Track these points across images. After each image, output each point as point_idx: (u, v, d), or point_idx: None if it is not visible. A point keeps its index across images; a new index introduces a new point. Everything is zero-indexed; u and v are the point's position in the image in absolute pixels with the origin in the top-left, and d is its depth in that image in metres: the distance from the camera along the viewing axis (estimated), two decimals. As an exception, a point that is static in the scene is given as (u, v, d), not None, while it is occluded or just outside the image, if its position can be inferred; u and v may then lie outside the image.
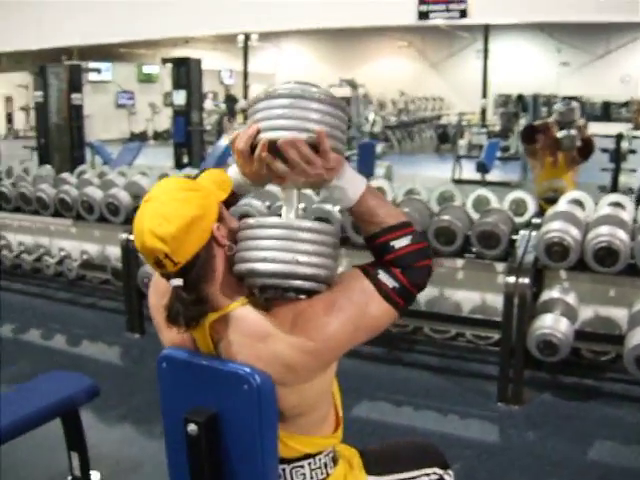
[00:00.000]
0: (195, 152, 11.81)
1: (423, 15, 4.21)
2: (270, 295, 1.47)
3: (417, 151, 16.33)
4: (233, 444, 1.60)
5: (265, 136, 1.41)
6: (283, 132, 1.39)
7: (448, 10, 4.15)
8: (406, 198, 4.59)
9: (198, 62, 11.55)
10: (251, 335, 1.50)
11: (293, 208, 1.53)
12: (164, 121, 21.20)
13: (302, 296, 1.46)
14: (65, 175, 5.79)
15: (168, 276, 1.48)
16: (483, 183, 10.91)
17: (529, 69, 20.41)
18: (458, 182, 11.57)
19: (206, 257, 1.47)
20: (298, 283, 1.42)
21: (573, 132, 5.28)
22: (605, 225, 3.70)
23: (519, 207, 4.51)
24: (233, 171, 1.55)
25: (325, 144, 1.39)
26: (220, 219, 1.51)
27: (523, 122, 15.05)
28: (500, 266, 4.34)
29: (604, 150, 8.54)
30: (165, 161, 11.25)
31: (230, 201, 1.58)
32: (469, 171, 11.96)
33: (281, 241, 1.42)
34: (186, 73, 11.30)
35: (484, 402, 3.82)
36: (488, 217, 4.05)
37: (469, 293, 4.51)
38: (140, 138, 20.21)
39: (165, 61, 18.13)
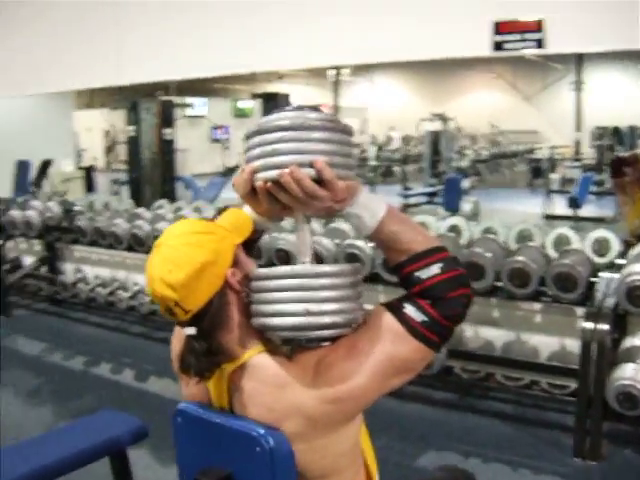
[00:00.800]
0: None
1: (498, 46, 4.04)
2: (295, 345, 1.40)
3: (509, 185, 15.97)
4: (245, 508, 1.50)
5: (261, 176, 1.32)
6: (277, 170, 1.29)
7: (523, 40, 3.98)
8: (481, 237, 4.41)
9: (286, 97, 11.66)
10: (268, 384, 1.41)
11: (308, 250, 1.42)
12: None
13: (326, 343, 1.38)
14: (140, 210, 5.88)
15: (182, 324, 1.43)
16: (575, 219, 10.54)
17: (626, 100, 19.72)
18: (549, 218, 11.20)
19: (220, 304, 1.40)
20: (316, 334, 1.33)
21: None
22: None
23: (602, 247, 4.26)
24: (248, 209, 1.47)
25: (326, 175, 1.27)
26: (236, 264, 1.43)
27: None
28: (580, 310, 4.11)
29: None
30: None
31: (252, 239, 1.50)
32: (561, 206, 11.56)
33: (292, 292, 1.32)
34: (274, 107, 11.43)
35: (559, 456, 3.58)
36: (565, 258, 3.83)
37: (547, 338, 4.26)
38: (233, 172, 20.57)
39: (255, 96, 18.45)
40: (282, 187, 1.29)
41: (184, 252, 1.36)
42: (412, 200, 12.41)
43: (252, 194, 1.38)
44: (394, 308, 1.37)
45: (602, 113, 18.00)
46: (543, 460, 3.55)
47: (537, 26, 3.98)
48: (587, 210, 11.37)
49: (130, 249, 5.40)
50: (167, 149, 10.94)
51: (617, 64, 18.99)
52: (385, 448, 3.46)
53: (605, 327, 3.47)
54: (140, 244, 5.24)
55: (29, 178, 9.09)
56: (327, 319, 1.31)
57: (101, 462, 2.55)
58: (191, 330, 1.40)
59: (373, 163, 18.46)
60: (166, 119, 10.85)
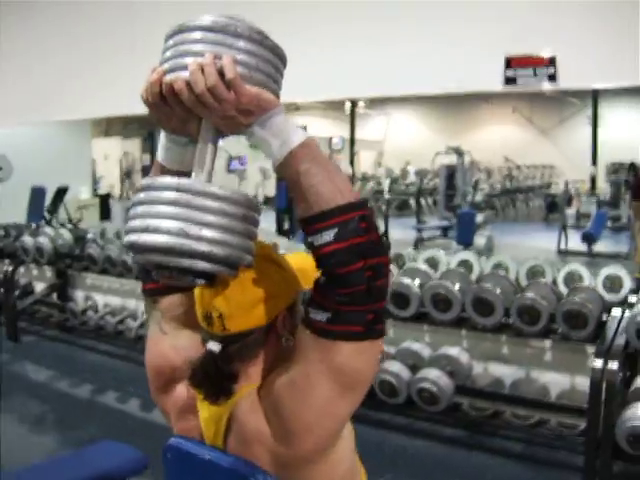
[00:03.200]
0: (296, 218, 11.93)
1: (510, 80, 4.04)
2: (164, 278, 1.17)
3: (524, 220, 15.92)
4: None
5: (171, 77, 1.13)
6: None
7: (536, 75, 3.98)
8: (491, 272, 4.38)
9: (303, 128, 11.71)
10: (249, 432, 1.34)
11: (205, 168, 1.21)
12: (273, 187, 21.64)
13: (200, 281, 1.17)
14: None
15: (210, 337, 1.33)
16: (589, 255, 10.45)
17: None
18: (563, 253, 11.12)
19: (257, 338, 1.33)
20: (189, 262, 1.10)
21: None
22: None
23: (614, 283, 4.21)
24: (159, 141, 1.30)
25: (229, 72, 1.09)
26: (289, 309, 1.35)
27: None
28: (590, 348, 4.05)
29: None
30: (269, 226, 11.36)
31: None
32: (576, 242, 11.48)
33: (171, 207, 1.10)
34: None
35: (568, 498, 3.51)
36: (576, 295, 3.78)
37: (556, 375, 4.20)
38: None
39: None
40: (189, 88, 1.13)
41: (255, 275, 1.29)
42: (426, 234, 12.37)
43: (160, 103, 1.18)
44: (305, 320, 1.22)
45: (617, 148, 17.90)
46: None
47: (549, 61, 3.99)
48: (602, 245, 11.28)
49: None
50: (186, 179, 11.03)
51: (633, 99, 18.97)
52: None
53: (614, 366, 3.41)
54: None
55: (44, 204, 9.16)
56: (204, 247, 1.10)
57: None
58: (216, 347, 1.30)
59: (387, 196, 18.50)
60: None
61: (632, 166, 16.45)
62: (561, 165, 20.70)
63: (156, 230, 1.10)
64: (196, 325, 1.41)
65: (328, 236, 1.11)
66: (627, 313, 3.73)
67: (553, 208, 15.45)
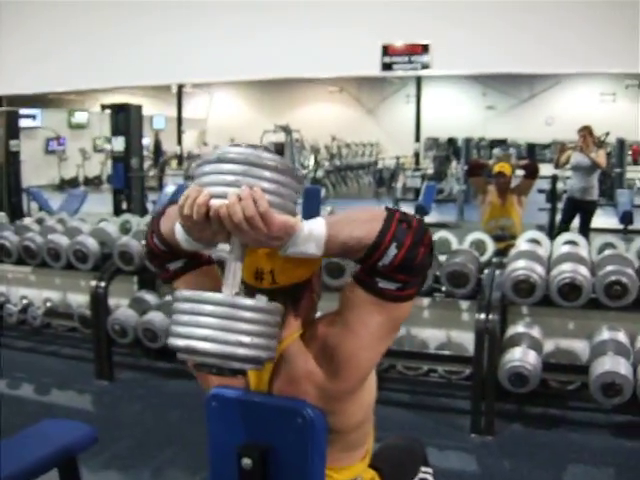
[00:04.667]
0: (135, 198, 11.77)
1: (386, 66, 4.43)
2: (205, 372, 1.43)
3: (355, 195, 16.55)
4: (285, 477, 1.67)
5: (217, 203, 1.32)
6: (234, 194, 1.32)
7: (411, 62, 4.38)
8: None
9: (138, 108, 11.55)
10: (299, 373, 1.59)
11: (235, 283, 1.42)
12: (95, 167, 21.03)
13: (239, 377, 1.49)
14: (27, 222, 5.78)
15: (259, 291, 1.54)
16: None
17: (457, 113, 21.12)
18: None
19: (300, 290, 1.60)
20: (237, 365, 1.37)
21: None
22: (567, 262, 3.95)
23: (479, 247, 4.73)
24: (180, 233, 1.48)
25: (261, 205, 1.29)
26: (319, 270, 1.66)
27: (454, 165, 15.59)
28: (465, 304, 4.57)
29: (540, 191, 8.95)
30: (99, 207, 11.10)
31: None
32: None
33: (223, 320, 1.34)
34: (125, 119, 11.29)
35: (459, 434, 3.98)
36: (456, 257, 4.24)
37: (434, 331, 4.68)
38: (70, 184, 19.97)
39: (104, 107, 18.09)
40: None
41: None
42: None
43: (203, 220, 1.35)
44: (368, 285, 1.47)
45: (436, 125, 19.08)
46: (446, 439, 3.94)
47: (423, 49, 4.39)
48: (431, 217, 12.11)
49: (18, 262, 5.30)
50: (13, 161, 10.62)
51: (450, 78, 20.24)
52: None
53: (496, 317, 3.92)
54: (32, 257, 5.16)
55: None
56: (253, 352, 1.35)
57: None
58: (263, 300, 1.47)
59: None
60: (12, 130, 10.53)
61: (450, 141, 17.71)
62: (384, 142, 21.69)
63: (201, 338, 1.33)
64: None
65: (392, 252, 1.38)
66: (497, 272, 4.25)
67: (381, 183, 16.24)
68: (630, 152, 16.44)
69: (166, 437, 3.99)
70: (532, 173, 5.89)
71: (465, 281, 4.12)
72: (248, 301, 1.37)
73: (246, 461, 1.64)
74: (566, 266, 3.91)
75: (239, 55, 6.43)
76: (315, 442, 1.63)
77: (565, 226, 7.53)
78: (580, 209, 7.53)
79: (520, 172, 6.17)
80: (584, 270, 3.87)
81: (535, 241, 4.59)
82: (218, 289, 1.44)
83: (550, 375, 4.15)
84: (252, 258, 1.55)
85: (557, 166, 7.77)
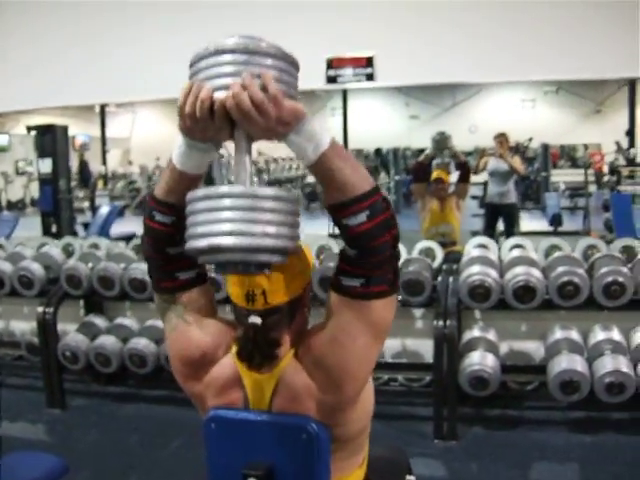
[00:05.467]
0: (64, 221, 11.51)
1: (331, 79, 4.46)
2: (229, 272, 1.36)
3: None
4: (290, 493, 1.65)
5: (221, 95, 1.26)
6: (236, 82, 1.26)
7: (355, 75, 4.43)
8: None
9: (64, 129, 11.31)
10: (299, 389, 1.57)
11: (247, 174, 1.35)
12: (18, 190, 20.48)
13: (266, 271, 1.35)
14: None
15: (247, 313, 1.53)
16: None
17: (381, 124, 21.42)
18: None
19: (290, 309, 1.56)
20: (265, 258, 1.29)
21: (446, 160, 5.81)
22: (519, 265, 4.05)
23: (428, 255, 4.78)
24: (179, 149, 1.41)
25: (272, 88, 1.24)
26: (309, 284, 1.64)
27: (383, 176, 15.77)
28: (418, 312, 4.62)
29: (474, 197, 9.16)
30: (25, 231, 10.79)
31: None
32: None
33: (246, 212, 1.26)
34: (51, 140, 11.04)
35: (422, 441, 4.02)
36: (409, 266, 4.28)
37: (390, 340, 4.71)
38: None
39: (30, 129, 17.59)
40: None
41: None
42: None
43: (207, 115, 1.28)
44: (335, 286, 1.47)
45: (362, 136, 19.23)
46: (411, 446, 3.94)
47: (367, 62, 4.44)
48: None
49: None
50: None
51: (374, 89, 20.50)
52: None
53: (454, 323, 3.98)
54: None
55: None
56: (280, 243, 1.29)
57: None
58: (258, 320, 1.50)
59: (143, 193, 18.42)
60: None
61: (377, 152, 17.93)
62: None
63: (225, 233, 1.25)
64: (215, 313, 1.68)
65: (362, 217, 1.33)
66: (450, 278, 4.31)
67: (313, 197, 16.28)
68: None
69: (127, 464, 3.90)
70: (465, 174, 5.98)
71: (421, 289, 4.16)
72: (269, 190, 1.30)
73: (251, 481, 1.61)
74: (519, 269, 4.00)
75: (163, 73, 6.39)
76: (320, 456, 1.62)
77: (491, 231, 7.73)
78: (501, 213, 7.77)
79: (454, 175, 6.25)
80: (537, 272, 3.97)
81: (483, 246, 4.68)
82: (214, 310, 1.42)
83: (508, 377, 4.23)
84: (242, 281, 1.52)
85: (476, 172, 7.95)
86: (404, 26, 4.35)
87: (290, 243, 1.32)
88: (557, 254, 4.20)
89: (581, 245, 4.53)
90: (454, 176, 6.22)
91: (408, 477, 2.22)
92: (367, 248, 1.37)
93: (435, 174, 5.92)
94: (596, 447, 3.84)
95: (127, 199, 17.66)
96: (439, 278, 4.37)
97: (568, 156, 19.80)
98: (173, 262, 1.58)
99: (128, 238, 8.01)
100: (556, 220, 10.66)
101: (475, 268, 4.09)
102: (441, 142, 5.87)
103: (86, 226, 10.83)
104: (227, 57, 1.27)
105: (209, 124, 1.30)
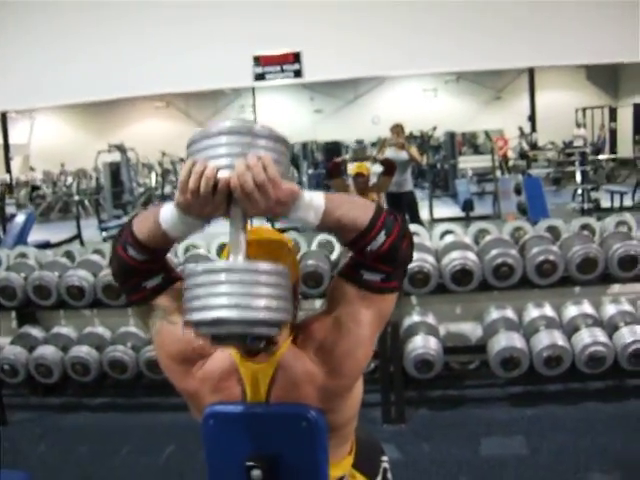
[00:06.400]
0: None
1: (259, 76, 4.49)
2: (226, 344, 1.41)
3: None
4: (294, 480, 1.70)
5: (225, 174, 1.32)
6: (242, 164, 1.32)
7: (283, 71, 4.47)
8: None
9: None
10: (298, 377, 1.62)
11: (241, 250, 1.40)
12: None
13: (262, 343, 1.41)
14: None
15: None
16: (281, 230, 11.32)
17: (288, 119, 21.41)
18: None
19: None
20: (264, 330, 1.36)
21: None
22: (455, 250, 4.19)
23: (326, 247, 4.80)
24: (170, 213, 1.44)
25: (271, 170, 1.31)
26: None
27: (294, 172, 15.82)
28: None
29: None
30: None
31: (165, 248, 1.56)
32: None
33: (244, 286, 1.32)
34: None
35: (372, 427, 4.10)
36: (307, 259, 4.33)
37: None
38: None
39: None
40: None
41: (274, 248, 1.60)
42: (112, 232, 12.38)
43: (210, 192, 1.33)
44: (354, 279, 1.54)
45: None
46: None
47: (294, 58, 4.49)
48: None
49: None
50: None
51: (280, 85, 20.49)
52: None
53: (396, 310, 4.08)
54: None
55: None
56: (277, 315, 1.34)
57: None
58: (274, 264, 1.49)
59: (49, 199, 17.91)
60: None
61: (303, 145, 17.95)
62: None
63: (229, 306, 1.30)
64: None
65: (381, 238, 1.44)
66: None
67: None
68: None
69: (83, 475, 3.86)
70: (389, 169, 6.13)
71: (320, 280, 4.20)
72: (266, 265, 1.35)
73: (255, 473, 1.64)
74: (455, 254, 4.15)
75: (64, 79, 6.28)
76: (320, 443, 1.66)
77: None
78: (401, 201, 7.95)
79: (376, 168, 6.41)
80: (472, 256, 4.13)
81: (415, 234, 4.81)
82: None
83: (450, 358, 4.38)
84: None
85: (375, 162, 8.10)
86: (325, 22, 4.42)
87: (287, 316, 1.38)
88: (489, 237, 4.37)
89: (508, 228, 4.73)
90: (376, 168, 6.38)
91: (383, 458, 2.28)
92: (395, 258, 1.48)
93: (355, 169, 6.05)
94: (537, 419, 4.04)
95: (32, 206, 17.10)
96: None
97: (470, 143, 20.33)
98: (136, 274, 1.60)
99: (44, 246, 7.84)
100: (468, 205, 10.99)
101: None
102: (359, 152, 6.06)
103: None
104: (230, 138, 1.34)
105: (209, 201, 1.34)
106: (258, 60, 4.47)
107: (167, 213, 1.44)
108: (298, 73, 4.44)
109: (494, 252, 4.10)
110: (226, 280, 1.32)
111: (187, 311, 1.37)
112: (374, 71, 4.94)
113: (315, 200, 1.40)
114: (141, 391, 4.82)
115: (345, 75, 5.91)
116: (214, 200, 1.34)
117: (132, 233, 1.53)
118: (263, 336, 1.37)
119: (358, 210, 1.45)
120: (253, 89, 16.68)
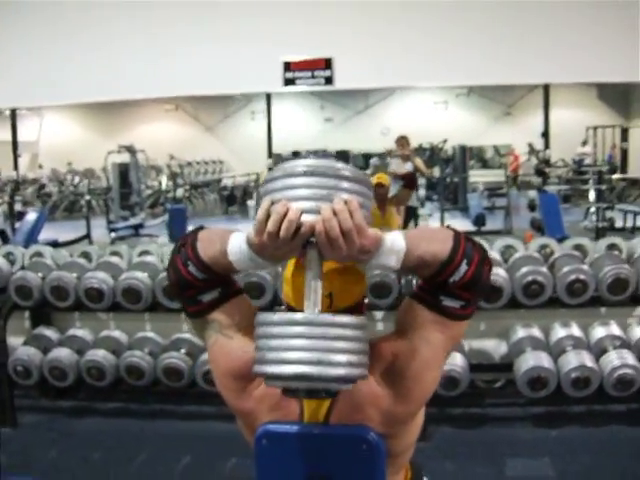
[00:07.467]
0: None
1: (289, 82, 4.43)
2: (298, 396, 1.37)
3: (204, 214, 16.20)
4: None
5: (309, 219, 1.25)
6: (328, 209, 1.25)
7: (314, 77, 4.41)
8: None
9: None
10: (362, 399, 1.53)
11: (317, 301, 1.32)
12: None
13: (333, 396, 1.38)
14: None
15: None
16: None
17: (297, 127, 21.35)
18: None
19: (355, 312, 1.49)
20: (335, 386, 1.30)
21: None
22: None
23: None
24: (239, 247, 1.39)
25: (357, 216, 1.25)
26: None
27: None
28: (379, 314, 4.62)
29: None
30: None
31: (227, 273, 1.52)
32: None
33: (317, 340, 1.26)
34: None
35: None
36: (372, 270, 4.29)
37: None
38: None
39: None
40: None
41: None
42: (121, 233, 12.31)
43: (289, 237, 1.27)
44: (432, 304, 1.46)
45: (281, 139, 19.13)
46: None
47: (325, 64, 4.43)
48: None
49: None
50: None
51: (291, 96, 20.43)
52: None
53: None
54: None
55: None
56: (348, 371, 1.27)
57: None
58: (351, 316, 1.43)
59: (54, 198, 17.83)
60: None
61: (295, 155, 17.90)
62: (229, 160, 21.54)
63: (296, 362, 1.24)
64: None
65: (463, 268, 1.38)
66: (414, 281, 4.33)
67: (231, 201, 16.11)
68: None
69: (97, 482, 3.79)
70: (411, 183, 6.08)
71: (388, 291, 4.18)
72: (342, 318, 1.29)
73: (311, 494, 1.58)
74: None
75: (75, 78, 6.23)
76: (379, 467, 1.59)
77: None
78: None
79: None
80: (502, 272, 4.06)
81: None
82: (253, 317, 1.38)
83: (475, 375, 4.29)
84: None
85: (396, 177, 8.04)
86: (358, 30, 4.37)
87: (359, 371, 1.31)
88: (518, 254, 4.29)
89: (534, 245, 4.65)
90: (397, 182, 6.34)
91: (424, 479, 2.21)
92: (478, 286, 1.43)
93: (376, 178, 5.99)
94: (562, 440, 3.97)
95: (39, 203, 17.00)
96: (403, 280, 4.40)
97: (478, 157, 20.26)
98: (193, 287, 1.53)
99: (53, 245, 7.74)
100: (480, 220, 10.90)
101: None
102: (380, 168, 6.08)
103: (1, 233, 10.32)
104: (314, 180, 1.26)
105: (286, 244, 1.28)
106: (288, 65, 4.39)
107: (236, 246, 1.39)
108: (329, 80, 4.37)
109: (524, 269, 4.02)
110: (306, 333, 1.26)
111: (259, 362, 1.30)
112: (404, 81, 4.89)
113: (397, 243, 1.33)
114: (155, 397, 4.74)
115: (376, 84, 5.85)
116: (291, 243, 1.27)
117: (195, 251, 1.47)
118: (333, 392, 1.33)
119: (437, 243, 1.39)
120: (268, 95, 16.56)
